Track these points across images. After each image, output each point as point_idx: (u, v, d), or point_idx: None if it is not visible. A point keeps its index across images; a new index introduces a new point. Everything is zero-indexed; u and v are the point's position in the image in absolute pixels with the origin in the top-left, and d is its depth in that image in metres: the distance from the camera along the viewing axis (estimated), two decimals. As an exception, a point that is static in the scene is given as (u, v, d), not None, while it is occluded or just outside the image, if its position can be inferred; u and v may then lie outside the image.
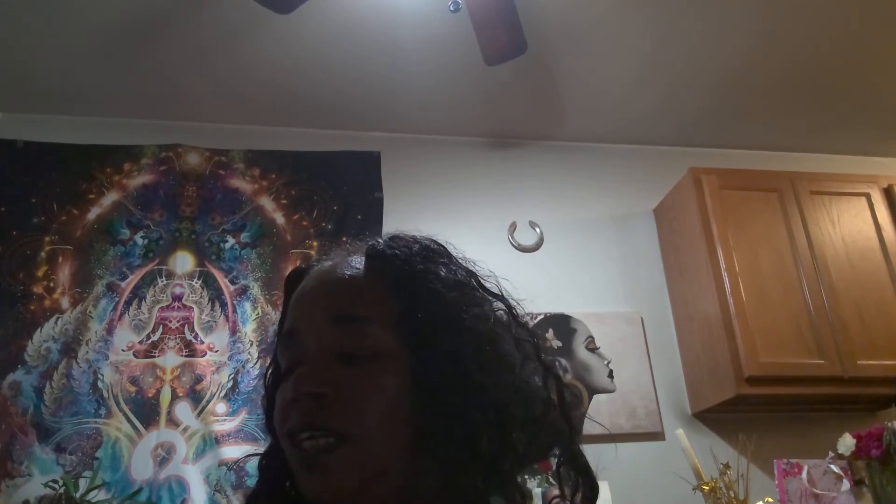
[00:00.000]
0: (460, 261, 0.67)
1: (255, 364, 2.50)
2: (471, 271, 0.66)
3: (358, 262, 0.64)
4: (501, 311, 0.65)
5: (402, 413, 0.57)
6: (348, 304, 0.61)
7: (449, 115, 3.01)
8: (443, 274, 0.63)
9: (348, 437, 0.56)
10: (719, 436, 2.60)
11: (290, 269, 2.75)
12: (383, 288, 0.62)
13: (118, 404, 2.37)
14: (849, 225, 2.77)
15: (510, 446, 0.58)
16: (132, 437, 2.33)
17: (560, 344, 2.67)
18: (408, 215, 2.86)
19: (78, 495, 2.07)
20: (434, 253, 0.66)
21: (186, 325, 2.53)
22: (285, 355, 0.63)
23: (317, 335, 0.60)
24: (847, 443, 2.10)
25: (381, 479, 0.57)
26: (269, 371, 0.69)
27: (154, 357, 2.46)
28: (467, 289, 0.64)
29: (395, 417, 0.57)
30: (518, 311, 0.66)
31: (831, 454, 2.16)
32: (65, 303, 2.51)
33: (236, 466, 2.33)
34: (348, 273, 0.63)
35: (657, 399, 2.65)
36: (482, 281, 0.66)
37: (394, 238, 0.66)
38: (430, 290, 0.61)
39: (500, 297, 0.66)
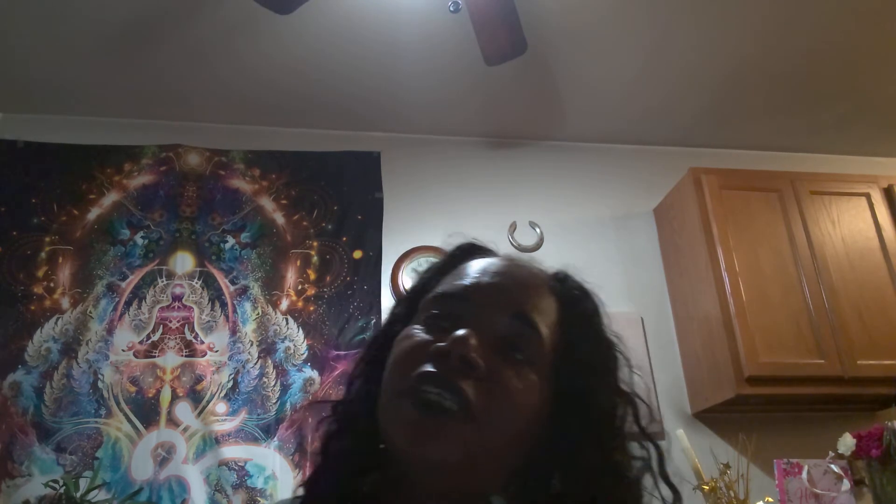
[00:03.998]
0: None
1: (255, 364, 2.50)
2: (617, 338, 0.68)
3: (544, 276, 0.67)
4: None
5: (529, 428, 0.57)
6: (530, 307, 0.61)
7: (449, 115, 3.01)
8: (606, 327, 0.66)
9: (476, 419, 0.53)
10: (719, 436, 2.59)
11: (289, 269, 2.78)
12: (559, 314, 0.63)
13: (118, 404, 2.37)
14: (849, 225, 2.76)
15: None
16: (132, 437, 2.34)
17: (560, 344, 2.67)
18: (408, 215, 2.86)
19: (78, 495, 2.07)
20: (600, 305, 0.68)
21: (186, 325, 2.53)
22: (443, 310, 0.61)
23: (490, 315, 0.59)
24: (847, 443, 2.10)
25: (476, 470, 0.55)
26: (396, 310, 0.69)
27: (154, 357, 2.46)
28: (618, 351, 0.66)
29: (523, 429, 0.57)
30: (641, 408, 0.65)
31: (831, 454, 2.16)
32: (65, 303, 2.51)
33: (237, 466, 2.33)
34: (536, 281, 0.65)
35: (657, 399, 2.65)
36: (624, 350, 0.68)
37: (573, 277, 0.69)
38: (597, 336, 0.65)
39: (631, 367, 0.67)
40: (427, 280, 0.69)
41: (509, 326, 0.59)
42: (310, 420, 2.42)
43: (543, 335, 0.60)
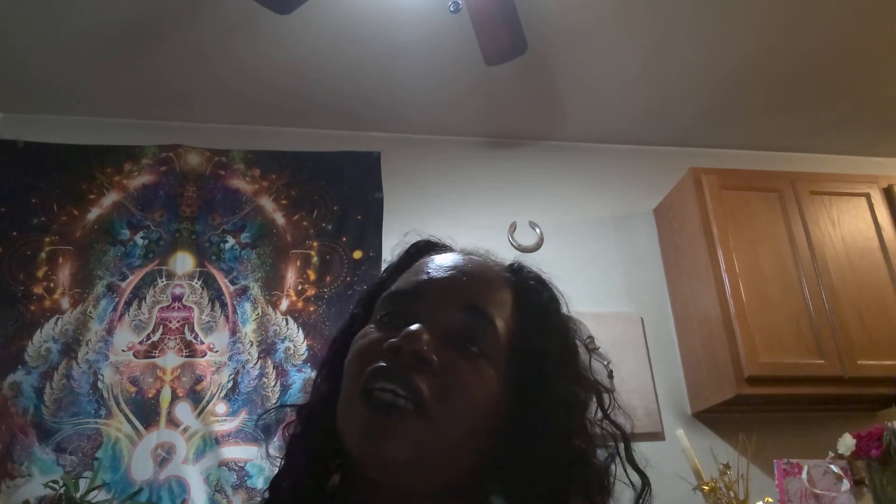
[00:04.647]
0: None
1: (255, 364, 2.50)
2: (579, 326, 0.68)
3: (499, 268, 0.67)
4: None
5: (486, 422, 0.57)
6: (484, 299, 0.61)
7: (449, 115, 3.01)
8: (563, 316, 0.65)
9: (429, 414, 0.53)
10: (719, 436, 2.60)
11: (289, 269, 2.78)
12: (515, 305, 0.63)
13: (118, 405, 2.37)
14: (849, 225, 2.76)
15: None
16: (132, 437, 2.33)
17: (560, 344, 2.67)
18: (408, 215, 2.86)
19: (78, 496, 2.07)
20: (557, 295, 0.68)
21: (186, 326, 2.53)
22: (397, 308, 0.61)
23: (444, 310, 0.59)
24: (847, 443, 2.10)
25: (431, 466, 0.54)
26: (355, 311, 0.69)
27: (154, 357, 2.46)
28: (578, 339, 0.66)
29: (479, 423, 0.56)
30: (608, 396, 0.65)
31: (831, 454, 2.16)
32: (65, 303, 2.51)
33: (237, 466, 2.33)
34: (490, 273, 0.65)
35: (657, 399, 2.65)
36: (588, 343, 0.67)
37: (529, 267, 0.69)
38: (554, 325, 0.64)
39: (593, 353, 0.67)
40: (384, 279, 0.69)
41: (463, 319, 0.59)
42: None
43: (498, 327, 0.60)
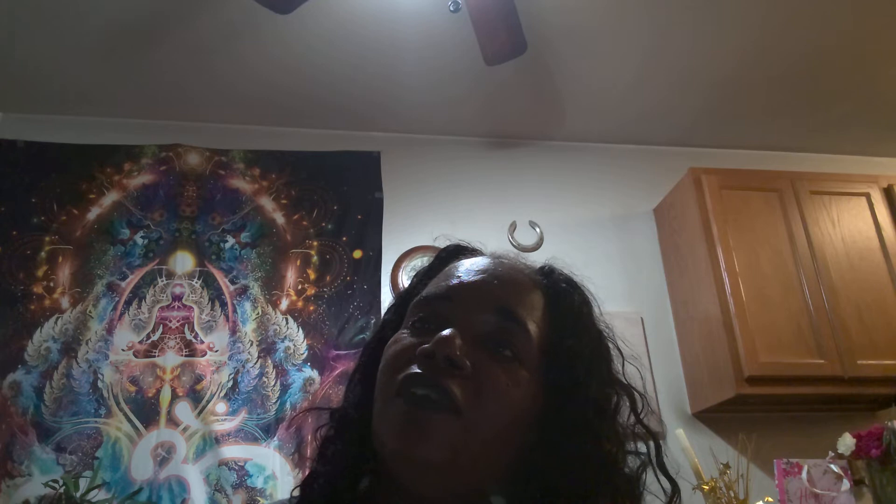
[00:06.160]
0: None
1: (255, 364, 2.50)
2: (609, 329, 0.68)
3: (529, 271, 0.67)
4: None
5: (519, 426, 0.57)
6: (515, 302, 0.61)
7: (449, 115, 3.01)
8: (595, 318, 0.66)
9: (463, 415, 0.54)
10: (719, 436, 2.59)
11: (289, 269, 2.78)
12: (546, 308, 0.63)
13: (118, 404, 2.37)
14: (849, 225, 2.76)
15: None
16: (132, 436, 2.33)
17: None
18: (408, 215, 2.86)
19: (78, 495, 2.07)
20: (588, 297, 0.68)
21: (186, 325, 2.53)
22: (428, 313, 0.62)
23: (475, 313, 0.60)
24: (847, 443, 2.10)
25: (463, 470, 0.54)
26: (387, 316, 0.69)
27: (154, 357, 2.46)
28: (610, 341, 0.66)
29: (512, 426, 0.56)
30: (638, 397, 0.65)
31: (831, 454, 2.16)
32: (65, 303, 2.51)
33: (237, 466, 2.33)
34: (520, 276, 0.65)
35: (657, 399, 2.65)
36: (619, 343, 0.67)
37: (560, 270, 0.69)
38: (586, 328, 0.64)
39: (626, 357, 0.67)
40: (415, 284, 0.69)
41: (494, 323, 0.59)
42: (310, 420, 2.42)
43: (530, 330, 0.60)
